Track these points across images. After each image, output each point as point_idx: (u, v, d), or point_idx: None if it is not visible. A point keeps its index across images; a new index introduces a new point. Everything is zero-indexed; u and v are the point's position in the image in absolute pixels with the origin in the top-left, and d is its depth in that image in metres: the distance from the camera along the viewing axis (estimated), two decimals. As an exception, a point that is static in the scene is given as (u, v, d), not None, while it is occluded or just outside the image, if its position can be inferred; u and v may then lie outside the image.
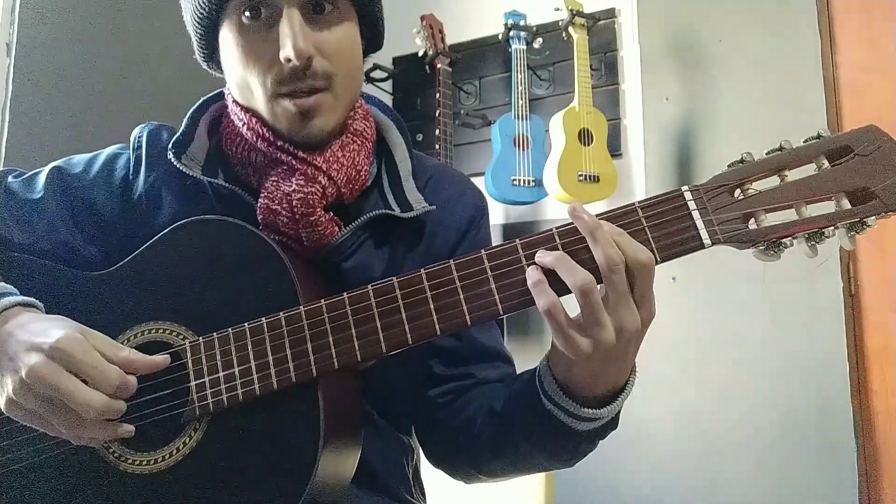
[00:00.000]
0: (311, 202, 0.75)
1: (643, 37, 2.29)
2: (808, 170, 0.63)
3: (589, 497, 2.08)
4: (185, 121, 0.83)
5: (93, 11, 2.04)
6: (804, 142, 0.65)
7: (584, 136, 2.14)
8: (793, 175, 0.63)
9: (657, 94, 2.25)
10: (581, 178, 2.10)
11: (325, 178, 0.76)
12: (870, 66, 2.00)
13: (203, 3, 0.75)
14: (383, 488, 0.81)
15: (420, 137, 2.60)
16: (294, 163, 0.77)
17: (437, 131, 2.26)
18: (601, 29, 2.33)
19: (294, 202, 0.74)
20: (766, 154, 0.65)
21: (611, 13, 2.34)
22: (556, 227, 0.64)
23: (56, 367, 0.61)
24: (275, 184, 0.76)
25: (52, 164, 0.85)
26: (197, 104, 0.85)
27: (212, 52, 0.81)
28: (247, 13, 0.73)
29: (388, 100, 2.64)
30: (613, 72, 2.33)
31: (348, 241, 0.78)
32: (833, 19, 2.06)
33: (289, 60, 0.71)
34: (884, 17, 1.99)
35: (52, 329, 0.63)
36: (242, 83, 0.77)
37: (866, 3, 2.02)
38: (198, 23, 0.78)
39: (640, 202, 0.63)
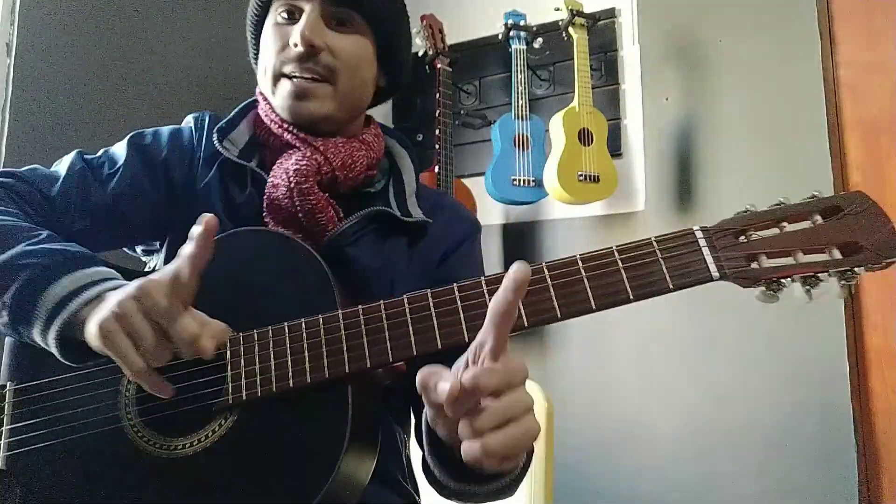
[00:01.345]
0: (304, 172, 0.84)
1: (643, 37, 2.29)
2: (804, 225, 0.71)
3: (589, 497, 2.08)
4: (234, 111, 0.95)
5: (93, 11, 2.04)
6: (801, 201, 0.72)
7: (584, 136, 2.14)
8: (790, 228, 0.71)
9: (657, 94, 2.25)
10: (581, 178, 2.10)
11: (321, 157, 0.87)
12: (870, 66, 2.00)
13: (255, 6, 0.92)
14: (382, 471, 0.83)
15: (420, 137, 2.60)
16: (296, 142, 0.88)
17: (437, 131, 2.26)
18: (601, 29, 2.33)
19: (290, 173, 0.85)
20: (768, 208, 0.72)
21: (611, 13, 2.34)
22: (580, 254, 0.69)
23: (162, 281, 0.64)
24: (279, 164, 0.88)
25: (129, 135, 0.93)
26: (247, 101, 0.98)
27: (258, 54, 0.94)
28: (283, 14, 0.88)
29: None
30: (613, 72, 2.33)
31: (353, 227, 0.86)
32: (833, 19, 2.06)
33: (295, 45, 0.85)
34: (884, 17, 1.99)
35: None
36: (261, 70, 0.90)
37: (866, 3, 2.02)
38: (251, 23, 0.94)
39: (655, 237, 0.70)
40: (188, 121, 0.97)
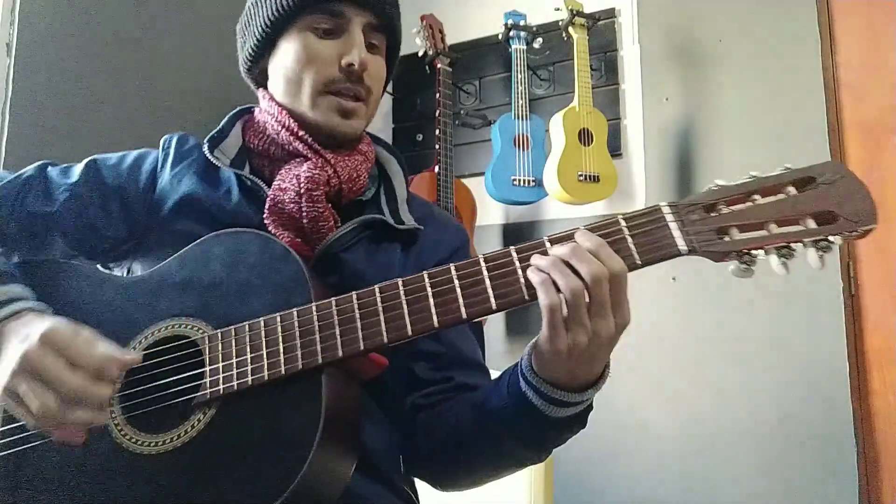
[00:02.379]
0: (316, 180, 0.86)
1: (643, 37, 2.29)
2: (777, 198, 0.69)
3: (589, 497, 2.08)
4: (223, 121, 0.96)
5: (93, 11, 2.04)
6: (773, 173, 0.71)
7: (584, 136, 2.14)
8: (763, 201, 0.69)
9: (657, 94, 2.25)
10: (581, 178, 2.10)
11: (332, 170, 0.88)
12: (870, 66, 2.00)
13: (279, 8, 0.88)
14: (376, 472, 0.84)
15: (420, 137, 2.60)
16: (308, 153, 0.88)
17: (437, 131, 2.26)
18: (601, 29, 2.33)
19: (302, 179, 0.86)
20: (739, 182, 0.71)
21: (611, 13, 2.35)
22: (548, 236, 0.71)
23: (44, 350, 0.67)
24: (288, 170, 0.89)
25: (90, 157, 0.94)
26: (234, 111, 0.98)
27: (261, 56, 0.93)
28: (324, 26, 0.88)
29: (388, 100, 2.64)
30: (613, 72, 2.33)
31: (348, 234, 0.87)
32: (833, 19, 2.06)
33: (351, 66, 0.86)
34: (884, 17, 1.99)
35: (44, 322, 0.70)
36: (294, 79, 0.89)
37: (866, 3, 2.02)
38: (269, 23, 0.89)
39: (622, 215, 0.71)
40: (161, 143, 0.98)
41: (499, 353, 2.25)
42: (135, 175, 0.93)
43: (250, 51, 0.94)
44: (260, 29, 0.91)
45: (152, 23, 2.20)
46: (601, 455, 2.12)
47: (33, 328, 0.69)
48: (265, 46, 0.92)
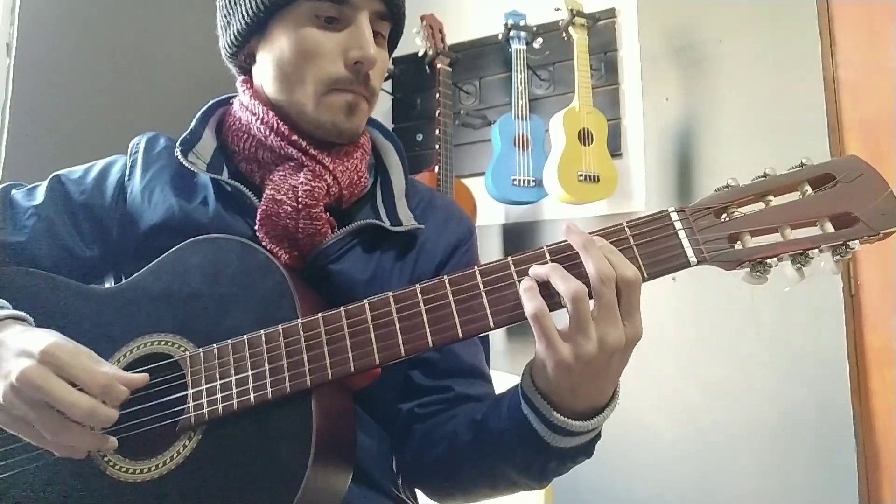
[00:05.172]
0: (316, 195, 0.79)
1: (643, 37, 2.29)
2: (792, 197, 0.65)
3: (589, 497, 2.08)
4: (194, 120, 0.87)
5: (93, 12, 2.04)
6: (788, 170, 0.66)
7: (584, 136, 2.14)
8: (777, 202, 0.65)
9: (657, 94, 2.25)
10: (581, 178, 2.10)
11: (331, 177, 0.81)
12: (870, 66, 2.00)
13: None
14: (371, 482, 0.81)
15: (420, 137, 2.60)
16: (304, 159, 0.81)
17: (437, 131, 2.26)
18: (601, 29, 2.33)
19: (300, 193, 0.78)
20: (752, 181, 0.67)
21: (611, 13, 2.35)
22: (547, 245, 0.66)
23: (46, 370, 0.63)
24: (282, 178, 0.80)
25: (53, 174, 0.88)
26: (206, 106, 0.89)
27: (248, 41, 0.84)
28: (325, 16, 0.78)
29: (388, 100, 2.64)
30: (613, 72, 2.33)
31: (337, 244, 0.81)
32: (833, 19, 2.06)
33: (359, 63, 0.78)
34: (884, 17, 1.99)
35: (42, 337, 0.66)
36: (293, 74, 0.80)
37: (866, 3, 2.02)
38: (263, 8, 0.79)
39: (627, 221, 0.65)
40: (129, 148, 0.91)
41: (499, 352, 2.24)
42: (101, 188, 0.86)
43: (236, 34, 0.83)
44: (252, 10, 0.80)
45: (153, 22, 2.20)
46: (601, 455, 2.12)
47: (28, 342, 0.65)
48: (255, 30, 0.82)
